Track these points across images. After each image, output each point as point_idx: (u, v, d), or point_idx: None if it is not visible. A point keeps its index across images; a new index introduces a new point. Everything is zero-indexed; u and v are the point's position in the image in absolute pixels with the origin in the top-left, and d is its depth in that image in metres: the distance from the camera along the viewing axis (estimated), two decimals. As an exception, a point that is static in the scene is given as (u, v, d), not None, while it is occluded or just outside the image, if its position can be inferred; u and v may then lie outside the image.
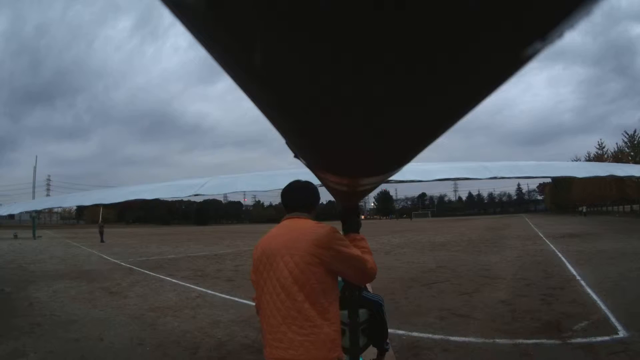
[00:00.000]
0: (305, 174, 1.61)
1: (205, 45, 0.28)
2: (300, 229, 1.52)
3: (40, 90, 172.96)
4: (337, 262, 1.46)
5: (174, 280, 7.96)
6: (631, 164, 16.99)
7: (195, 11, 0.24)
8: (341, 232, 1.69)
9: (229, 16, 0.23)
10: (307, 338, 1.42)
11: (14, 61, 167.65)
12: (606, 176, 3.09)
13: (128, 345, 3.94)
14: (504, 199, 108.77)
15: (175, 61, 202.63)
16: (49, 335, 4.27)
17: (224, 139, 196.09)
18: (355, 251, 1.51)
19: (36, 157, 44.30)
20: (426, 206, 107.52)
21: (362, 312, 2.00)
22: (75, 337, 4.20)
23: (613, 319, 4.15)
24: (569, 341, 3.59)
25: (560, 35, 0.24)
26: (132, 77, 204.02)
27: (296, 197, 1.67)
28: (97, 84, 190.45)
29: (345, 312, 1.93)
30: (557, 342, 3.60)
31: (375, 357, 2.17)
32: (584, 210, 44.79)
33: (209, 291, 6.72)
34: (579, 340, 3.62)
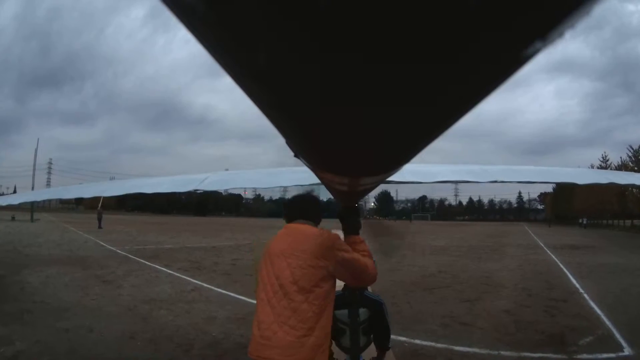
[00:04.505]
0: (306, 172, 1.64)
1: (205, 45, 0.28)
2: (304, 232, 1.58)
3: (48, 74, 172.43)
4: (338, 265, 1.49)
5: (169, 271, 7.87)
6: (631, 172, 16.91)
7: (195, 11, 0.23)
8: (341, 233, 1.75)
9: (229, 16, 0.23)
10: (297, 340, 1.40)
11: (26, 44, 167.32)
12: (606, 183, 3.03)
13: (119, 338, 3.82)
14: (505, 206, 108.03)
15: (186, 53, 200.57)
16: (39, 324, 4.16)
17: (229, 132, 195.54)
18: (356, 255, 1.55)
19: (38, 139, 44.36)
20: (426, 209, 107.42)
21: (363, 312, 2.00)
22: (65, 326, 4.08)
23: (618, 336, 4.07)
24: (574, 357, 3.50)
25: (561, 35, 0.24)
26: (142, 66, 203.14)
27: (301, 212, 1.71)
28: (106, 70, 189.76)
29: (346, 311, 1.96)
30: (563, 357, 3.50)
31: (375, 356, 2.13)
32: (584, 222, 44.63)
33: (205, 285, 6.62)
34: (584, 356, 3.55)
